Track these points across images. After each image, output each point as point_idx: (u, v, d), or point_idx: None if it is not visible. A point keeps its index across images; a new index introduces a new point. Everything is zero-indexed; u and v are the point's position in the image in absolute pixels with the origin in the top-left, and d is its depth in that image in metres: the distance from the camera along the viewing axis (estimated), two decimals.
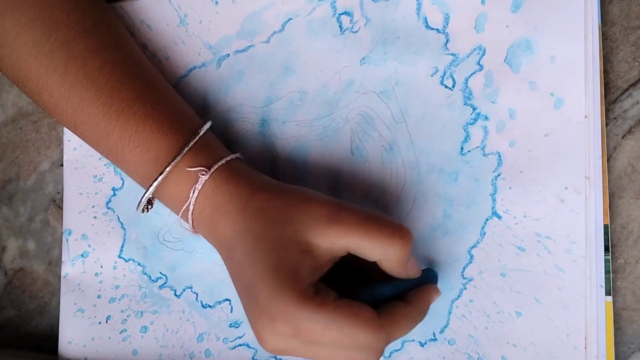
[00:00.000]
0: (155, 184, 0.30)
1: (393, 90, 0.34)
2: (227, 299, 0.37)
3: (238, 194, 0.29)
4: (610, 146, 0.32)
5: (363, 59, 0.34)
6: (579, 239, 0.30)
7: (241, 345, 0.37)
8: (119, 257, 0.39)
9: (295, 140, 0.35)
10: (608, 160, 0.32)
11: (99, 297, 0.39)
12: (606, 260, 0.30)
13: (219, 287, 0.37)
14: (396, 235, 0.27)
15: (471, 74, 0.32)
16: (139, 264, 0.39)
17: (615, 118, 0.32)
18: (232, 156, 0.31)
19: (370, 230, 0.27)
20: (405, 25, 0.33)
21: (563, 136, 0.31)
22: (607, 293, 0.30)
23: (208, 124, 0.32)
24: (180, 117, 0.32)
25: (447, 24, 0.33)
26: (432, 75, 0.33)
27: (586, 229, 0.30)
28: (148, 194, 0.31)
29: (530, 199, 0.31)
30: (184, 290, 0.38)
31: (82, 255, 0.40)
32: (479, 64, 0.32)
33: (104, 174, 0.40)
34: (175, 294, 0.38)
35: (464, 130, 0.33)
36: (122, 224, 0.39)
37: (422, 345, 0.33)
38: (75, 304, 0.40)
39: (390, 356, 0.34)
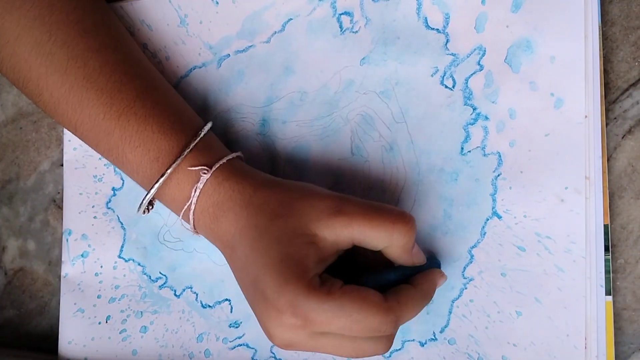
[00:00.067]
0: (157, 185, 0.30)
1: (393, 91, 0.34)
2: (227, 299, 0.37)
3: (241, 191, 0.30)
4: (610, 146, 0.32)
5: (363, 59, 0.34)
6: (579, 239, 0.30)
7: (241, 345, 0.37)
8: (119, 257, 0.39)
9: (295, 140, 0.35)
10: (608, 160, 0.32)
11: (99, 297, 0.39)
12: (606, 260, 0.30)
13: (219, 287, 0.37)
14: (399, 220, 0.28)
15: (471, 74, 0.32)
16: (139, 264, 0.39)
17: (615, 118, 0.32)
18: (234, 155, 0.32)
19: (374, 218, 0.27)
20: (406, 26, 0.33)
21: (563, 136, 0.31)
22: (607, 293, 0.30)
23: (209, 124, 0.32)
24: (180, 117, 0.32)
25: (447, 24, 0.33)
26: (432, 75, 0.33)
27: (586, 229, 0.30)
28: (150, 195, 0.31)
29: (530, 199, 0.31)
30: (184, 290, 0.38)
31: (82, 255, 0.40)
32: (479, 64, 0.32)
33: (104, 174, 0.40)
34: (175, 294, 0.38)
35: (464, 130, 0.33)
36: (122, 224, 0.39)
37: (422, 345, 0.33)
38: (75, 304, 0.40)
39: (390, 356, 0.34)
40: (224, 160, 0.31)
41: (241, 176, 0.30)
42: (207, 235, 0.31)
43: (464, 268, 0.32)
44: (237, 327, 0.37)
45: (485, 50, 0.32)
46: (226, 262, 0.32)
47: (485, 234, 0.32)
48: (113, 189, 0.39)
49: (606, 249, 0.31)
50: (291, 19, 0.35)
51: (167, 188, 0.31)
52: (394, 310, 0.27)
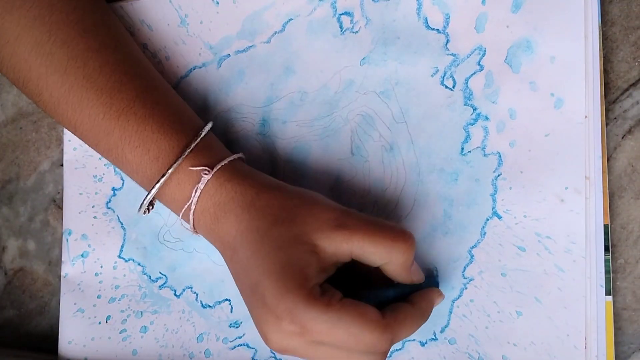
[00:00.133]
0: (157, 185, 0.30)
1: (393, 91, 0.34)
2: (227, 299, 0.37)
3: (243, 192, 0.30)
4: (610, 146, 0.32)
5: (363, 59, 0.34)
6: (579, 239, 0.30)
7: (241, 345, 0.37)
8: (119, 257, 0.39)
9: (295, 140, 0.35)
10: (608, 160, 0.32)
11: (99, 297, 0.39)
12: (606, 260, 0.30)
13: (219, 287, 0.37)
14: (399, 238, 0.28)
15: (471, 74, 0.32)
16: (139, 264, 0.39)
17: (615, 118, 0.32)
18: (235, 156, 0.31)
19: (374, 234, 0.28)
20: (406, 26, 0.33)
21: (563, 136, 0.31)
22: (607, 293, 0.30)
23: (210, 124, 0.32)
24: (180, 117, 0.32)
25: (448, 24, 0.33)
26: (432, 76, 0.33)
27: (586, 229, 0.30)
28: (151, 195, 0.31)
29: (530, 199, 0.31)
30: (184, 290, 0.38)
31: (82, 255, 0.40)
32: (479, 64, 0.32)
33: (104, 174, 0.40)
34: (175, 294, 0.38)
35: (464, 130, 0.33)
36: (122, 224, 0.39)
37: (422, 344, 0.33)
38: (75, 304, 0.40)
39: (390, 356, 0.34)
40: (226, 161, 0.31)
41: (243, 178, 0.30)
42: (206, 236, 0.31)
43: (464, 268, 0.32)
44: (237, 327, 0.37)
45: (485, 51, 0.32)
46: None
47: (485, 234, 0.32)
48: (113, 189, 0.39)
49: (606, 249, 0.31)
50: (291, 19, 0.35)
51: (168, 188, 0.31)
52: (391, 329, 0.27)
